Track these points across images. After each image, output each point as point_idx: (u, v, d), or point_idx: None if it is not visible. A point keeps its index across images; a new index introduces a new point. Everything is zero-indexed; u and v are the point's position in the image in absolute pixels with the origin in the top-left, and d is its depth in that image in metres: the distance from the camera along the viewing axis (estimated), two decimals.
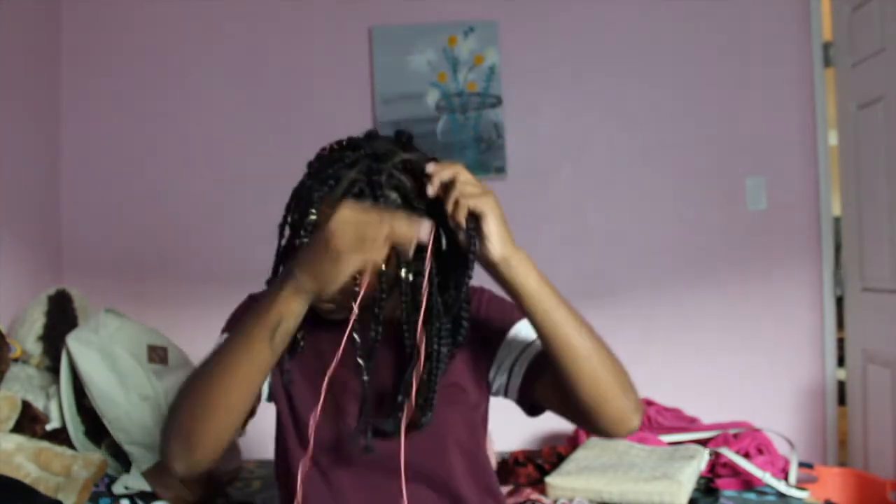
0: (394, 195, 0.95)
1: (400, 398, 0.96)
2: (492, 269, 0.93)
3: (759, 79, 2.54)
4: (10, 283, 2.14)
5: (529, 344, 1.07)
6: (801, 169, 2.54)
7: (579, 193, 2.57)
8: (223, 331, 1.12)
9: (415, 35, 2.53)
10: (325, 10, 2.57)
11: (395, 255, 0.93)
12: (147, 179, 2.55)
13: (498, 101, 2.54)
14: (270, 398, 1.11)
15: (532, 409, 1.10)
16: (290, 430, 1.08)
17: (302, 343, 1.06)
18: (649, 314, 2.55)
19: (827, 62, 2.51)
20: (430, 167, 0.92)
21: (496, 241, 0.91)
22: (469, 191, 0.90)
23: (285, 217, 1.01)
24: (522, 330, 1.08)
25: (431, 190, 0.91)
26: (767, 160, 2.54)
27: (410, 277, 0.95)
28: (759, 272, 2.53)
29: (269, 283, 1.02)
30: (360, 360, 0.95)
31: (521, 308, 0.95)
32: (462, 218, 0.90)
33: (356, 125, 2.76)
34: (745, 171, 2.54)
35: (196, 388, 0.92)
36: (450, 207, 0.91)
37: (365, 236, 0.86)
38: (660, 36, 2.56)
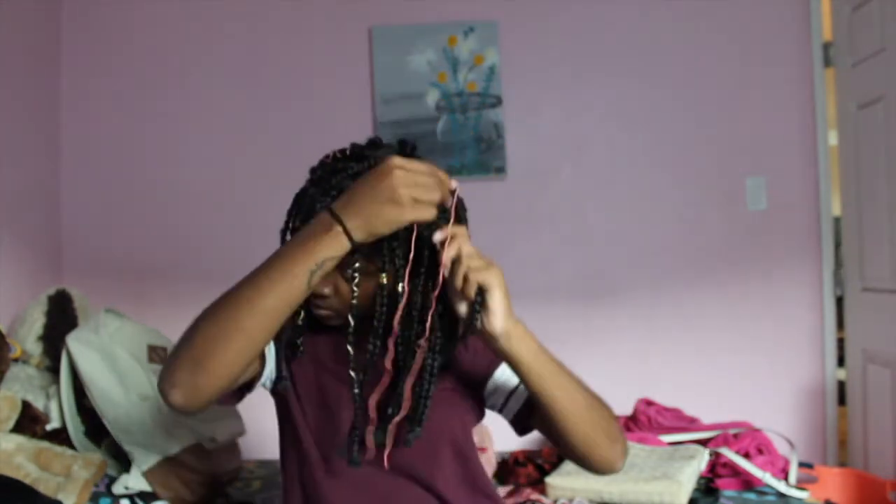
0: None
1: (390, 410, 0.97)
2: (491, 340, 0.94)
3: (759, 79, 2.54)
4: (10, 283, 2.14)
5: None
6: (801, 169, 2.54)
7: (579, 193, 2.57)
8: None
9: (415, 35, 2.53)
10: (325, 10, 2.57)
11: (394, 269, 0.94)
12: (147, 179, 2.55)
13: (498, 101, 2.54)
14: (274, 387, 1.10)
15: (523, 430, 1.12)
16: (301, 421, 1.08)
17: (302, 348, 1.06)
18: (649, 314, 2.55)
19: (827, 62, 2.51)
20: (438, 236, 0.92)
21: (500, 315, 0.91)
22: (476, 264, 0.91)
23: (287, 223, 1.01)
24: None
25: (445, 270, 0.92)
26: (767, 160, 2.54)
27: (407, 289, 0.95)
28: (759, 272, 2.53)
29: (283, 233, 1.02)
30: (352, 373, 0.95)
31: (515, 373, 0.97)
32: (472, 292, 0.91)
33: (356, 125, 2.79)
34: (745, 171, 2.54)
35: (218, 312, 0.89)
36: (459, 282, 0.91)
37: (425, 190, 0.88)
38: (660, 36, 2.56)
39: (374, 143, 1.02)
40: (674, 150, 2.56)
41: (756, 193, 2.53)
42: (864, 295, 2.36)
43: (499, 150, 2.54)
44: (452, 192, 0.94)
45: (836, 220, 2.54)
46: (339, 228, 0.87)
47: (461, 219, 0.99)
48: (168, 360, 0.91)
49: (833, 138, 2.55)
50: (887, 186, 2.19)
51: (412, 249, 0.92)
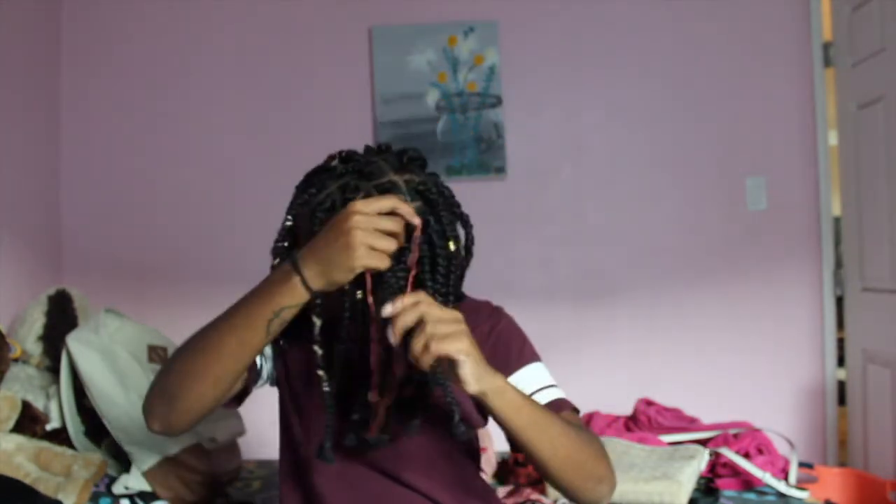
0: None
1: (356, 416, 0.96)
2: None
3: (759, 79, 2.54)
4: (10, 283, 2.14)
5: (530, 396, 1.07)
6: (801, 169, 2.54)
7: (579, 193, 2.57)
8: None
9: (415, 35, 2.53)
10: (325, 10, 2.57)
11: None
12: (147, 179, 2.55)
13: (498, 101, 2.54)
14: (275, 383, 1.11)
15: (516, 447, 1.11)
16: (294, 419, 1.09)
17: (281, 342, 1.05)
18: (649, 314, 2.54)
19: (827, 62, 2.51)
20: (388, 310, 0.85)
21: (472, 382, 0.87)
22: (441, 332, 0.84)
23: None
24: (525, 378, 1.06)
25: (394, 339, 0.85)
26: (767, 160, 2.54)
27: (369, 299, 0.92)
28: (759, 272, 2.53)
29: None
30: (320, 372, 0.94)
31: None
32: (429, 364, 0.85)
33: (356, 125, 2.79)
34: (745, 171, 2.54)
35: (187, 353, 0.93)
36: (417, 349, 0.84)
37: (383, 239, 0.85)
38: (660, 36, 2.56)
39: (379, 149, 1.01)
40: (674, 150, 2.56)
41: (756, 193, 2.53)
42: (864, 295, 2.36)
43: (499, 150, 2.54)
44: (413, 230, 0.89)
45: (836, 220, 2.54)
46: (297, 279, 0.86)
47: (468, 248, 0.98)
48: (148, 390, 0.96)
49: (833, 138, 2.55)
50: (887, 186, 2.18)
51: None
